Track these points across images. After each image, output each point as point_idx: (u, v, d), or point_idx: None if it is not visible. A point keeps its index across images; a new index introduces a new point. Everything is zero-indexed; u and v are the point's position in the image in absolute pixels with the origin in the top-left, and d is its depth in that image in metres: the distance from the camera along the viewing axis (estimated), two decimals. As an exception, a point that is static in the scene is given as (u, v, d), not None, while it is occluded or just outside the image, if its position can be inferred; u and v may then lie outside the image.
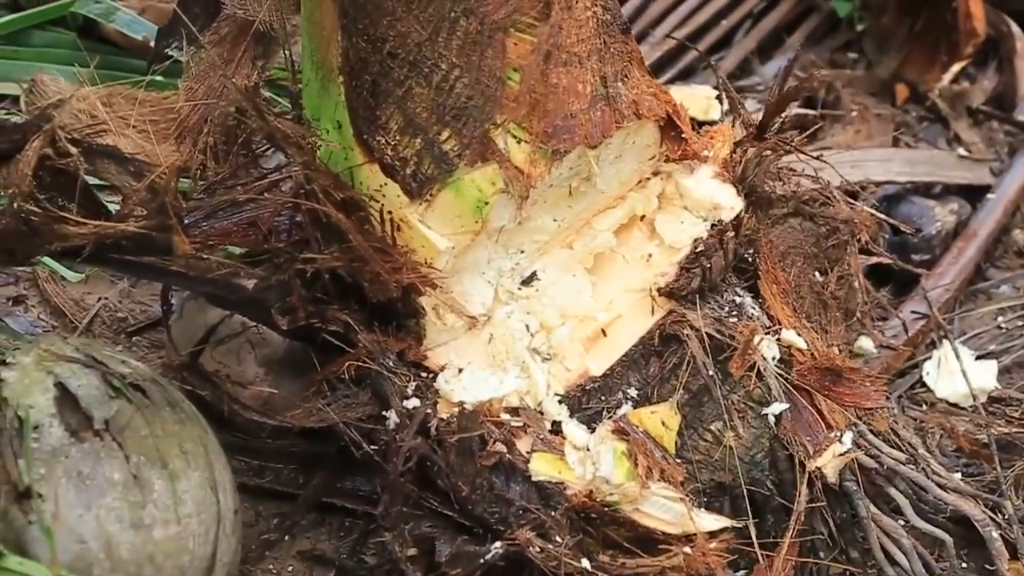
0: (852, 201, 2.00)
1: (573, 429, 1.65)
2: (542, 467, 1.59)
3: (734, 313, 1.73)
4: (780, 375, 1.70)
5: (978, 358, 2.16)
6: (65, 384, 1.49)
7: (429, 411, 1.62)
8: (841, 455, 1.70)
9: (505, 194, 1.59)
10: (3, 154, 1.55)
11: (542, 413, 1.67)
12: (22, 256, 1.60)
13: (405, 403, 1.63)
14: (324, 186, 1.58)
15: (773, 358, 1.71)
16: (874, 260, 2.15)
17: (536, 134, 1.58)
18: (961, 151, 2.71)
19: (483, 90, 1.55)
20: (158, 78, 2.11)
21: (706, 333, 1.68)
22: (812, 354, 1.74)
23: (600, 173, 1.67)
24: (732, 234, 1.75)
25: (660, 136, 1.73)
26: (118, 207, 1.59)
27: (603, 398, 1.69)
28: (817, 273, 1.96)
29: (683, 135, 1.73)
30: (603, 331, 1.73)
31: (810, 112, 2.75)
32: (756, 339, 1.68)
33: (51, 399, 1.47)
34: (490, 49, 1.54)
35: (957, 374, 2.10)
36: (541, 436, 1.63)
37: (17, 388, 1.48)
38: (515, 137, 1.58)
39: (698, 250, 1.74)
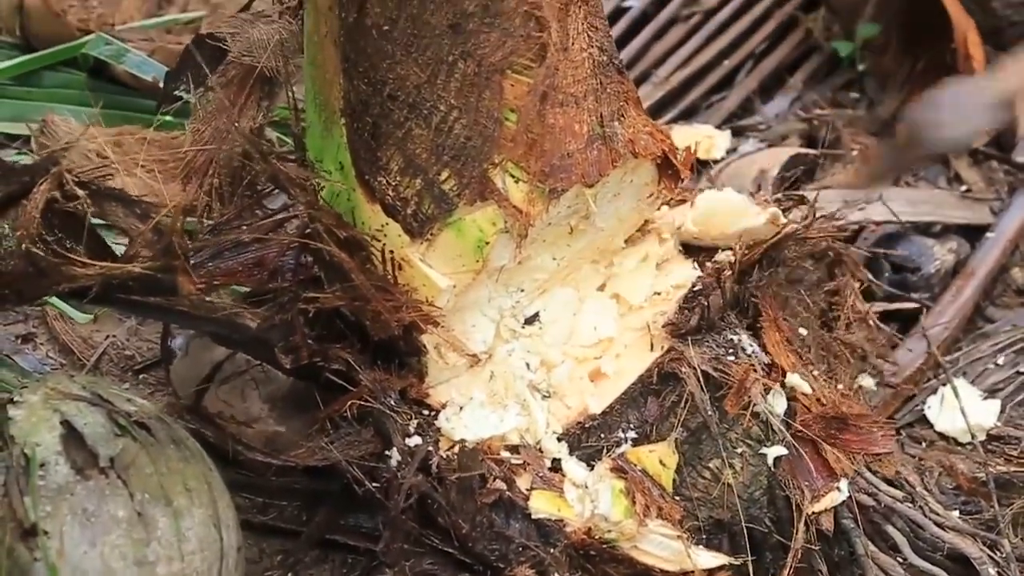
0: (843, 246, 2.00)
1: (572, 467, 1.66)
2: (541, 505, 1.60)
3: (732, 352, 1.73)
4: (782, 420, 1.71)
5: (985, 398, 2.16)
6: (71, 422, 1.50)
7: (430, 449, 1.62)
8: (837, 505, 1.71)
9: (506, 234, 1.60)
10: (12, 196, 1.57)
11: (542, 451, 1.67)
12: (30, 296, 1.62)
13: (407, 441, 1.63)
14: (327, 226, 1.59)
15: (782, 411, 1.72)
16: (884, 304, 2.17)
17: (534, 173, 1.59)
18: (961, 190, 2.72)
19: (481, 131, 1.56)
20: (167, 118, 2.13)
21: (704, 371, 1.68)
22: (818, 399, 1.75)
23: (598, 211, 1.68)
24: (729, 273, 1.75)
25: (658, 174, 1.74)
26: (124, 248, 1.61)
27: (602, 436, 1.69)
28: (820, 316, 1.96)
29: (680, 174, 1.73)
30: (602, 369, 1.74)
31: (811, 152, 2.76)
32: (751, 378, 1.68)
33: (57, 437, 1.48)
34: (487, 90, 1.55)
35: (958, 411, 2.09)
36: (541, 474, 1.63)
37: (24, 426, 1.49)
38: (513, 176, 1.59)
39: (696, 289, 1.76)
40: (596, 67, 1.63)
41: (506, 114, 1.57)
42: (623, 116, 1.67)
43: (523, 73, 1.57)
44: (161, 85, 1.94)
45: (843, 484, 1.71)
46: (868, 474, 1.77)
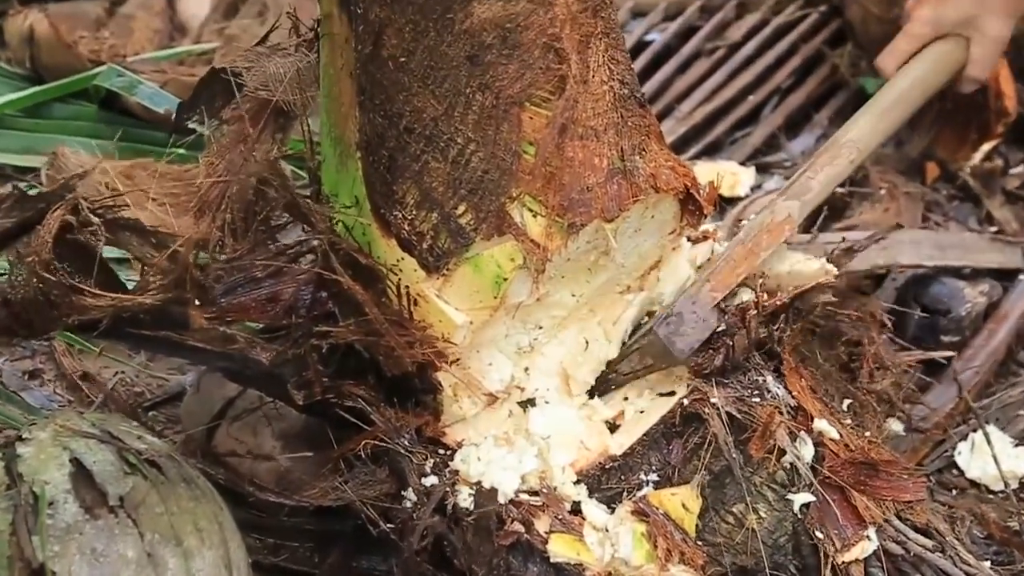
0: (859, 295, 2.02)
1: (592, 509, 1.67)
2: (560, 548, 1.60)
3: (757, 393, 1.73)
4: (811, 466, 1.71)
5: (1016, 444, 2.16)
6: (81, 460, 1.50)
7: (447, 489, 1.63)
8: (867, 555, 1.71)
9: (524, 270, 1.61)
10: (24, 224, 1.59)
11: (560, 493, 1.68)
12: (39, 329, 1.62)
13: (423, 481, 1.64)
14: (344, 256, 1.61)
15: (810, 456, 1.72)
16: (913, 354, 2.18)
17: (552, 207, 1.60)
18: (992, 231, 2.72)
19: (499, 164, 1.58)
20: (180, 151, 2.15)
21: (728, 413, 1.69)
22: (846, 445, 1.75)
23: (618, 247, 1.69)
24: (754, 312, 1.76)
25: (680, 210, 1.74)
26: (135, 283, 1.62)
27: (623, 478, 1.70)
28: (840, 368, 1.98)
29: (703, 209, 1.74)
30: (623, 412, 1.75)
31: (839, 190, 2.76)
32: (776, 420, 1.69)
33: (66, 475, 1.48)
34: (505, 123, 1.57)
35: (989, 457, 2.10)
36: (560, 516, 1.64)
37: (33, 464, 1.49)
38: (531, 211, 1.60)
39: (719, 329, 1.76)
40: (617, 100, 1.64)
41: (524, 147, 1.59)
42: (644, 150, 1.68)
43: (542, 106, 1.58)
44: (173, 117, 1.95)
45: (871, 532, 1.71)
46: (897, 522, 1.76)
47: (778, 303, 1.80)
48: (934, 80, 2.40)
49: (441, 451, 1.70)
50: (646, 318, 1.82)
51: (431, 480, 1.65)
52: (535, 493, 1.66)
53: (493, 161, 1.58)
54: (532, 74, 1.57)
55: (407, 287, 1.63)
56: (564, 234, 1.61)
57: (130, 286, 1.62)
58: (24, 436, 1.55)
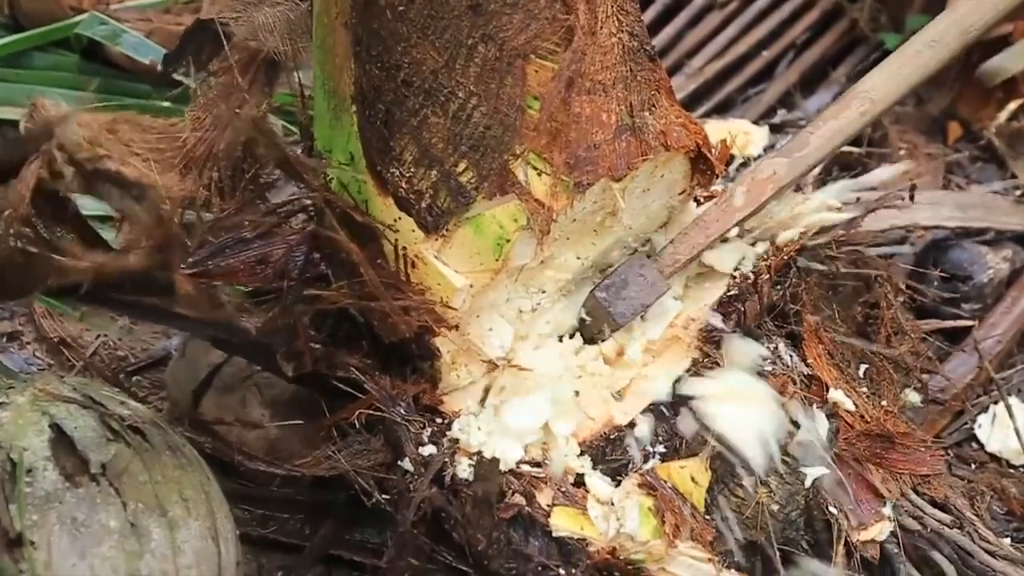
0: (876, 259, 2.01)
1: (597, 482, 1.67)
2: (563, 522, 1.60)
3: (769, 361, 1.74)
4: (824, 438, 1.72)
5: (1036, 414, 2.17)
6: (61, 425, 1.51)
7: (445, 460, 1.63)
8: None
9: (527, 231, 1.61)
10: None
11: (563, 464, 1.68)
12: (16, 291, 1.62)
13: (420, 450, 1.64)
14: (339, 212, 1.61)
15: (824, 428, 1.73)
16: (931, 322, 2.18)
17: (557, 165, 1.60)
18: (1017, 193, 2.72)
19: (502, 119, 1.57)
20: (165, 104, 2.15)
21: None
22: (861, 416, 1.76)
23: (626, 207, 1.69)
24: (767, 277, 1.76)
25: (691, 170, 1.74)
26: (116, 242, 1.62)
27: (628, 449, 1.70)
28: (857, 330, 1.98)
29: (715, 169, 1.74)
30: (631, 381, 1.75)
31: (855, 150, 2.76)
32: (789, 390, 1.69)
33: (46, 441, 1.50)
34: (509, 76, 1.56)
35: (1010, 430, 2.11)
36: (563, 489, 1.64)
37: (10, 429, 1.50)
38: (535, 168, 1.60)
39: (731, 293, 1.77)
40: (626, 53, 1.64)
41: (529, 102, 1.58)
42: (654, 106, 1.67)
43: (547, 58, 1.58)
44: (159, 68, 1.95)
45: (888, 509, 1.72)
46: (914, 496, 1.77)
47: (786, 256, 1.80)
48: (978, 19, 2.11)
49: (439, 420, 1.70)
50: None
51: (429, 450, 1.65)
52: (537, 464, 1.66)
53: (496, 116, 1.57)
54: (538, 24, 1.56)
55: (404, 248, 1.62)
56: (570, 193, 1.62)
57: (113, 246, 1.61)
58: (1, 400, 1.55)
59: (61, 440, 1.50)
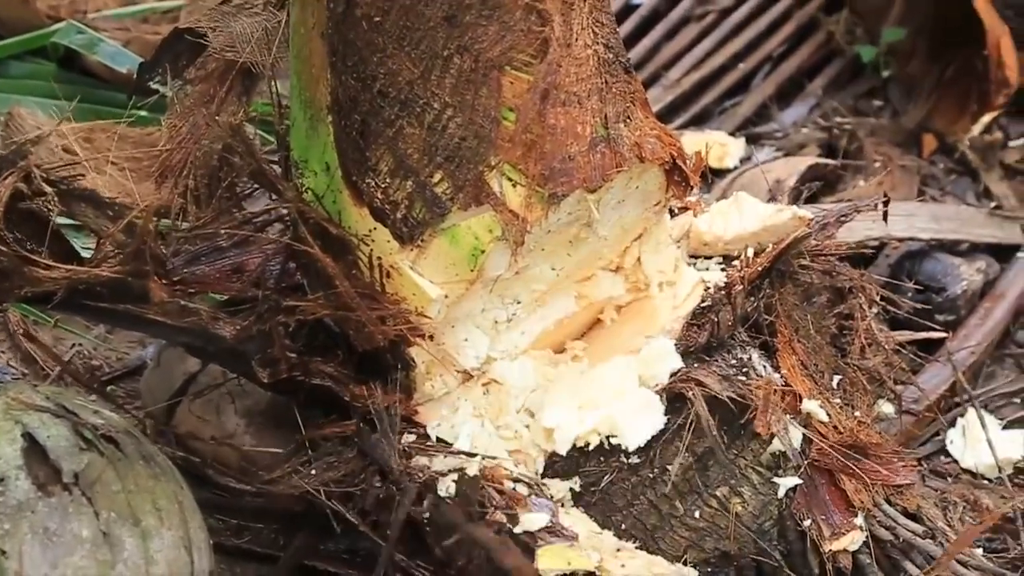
0: (850, 270, 2.01)
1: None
2: (550, 563, 1.59)
3: (743, 372, 1.74)
4: (798, 449, 1.72)
5: (1005, 427, 2.18)
6: (33, 435, 1.51)
7: (426, 474, 1.64)
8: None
9: (502, 242, 1.61)
10: None
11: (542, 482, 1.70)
12: (-12, 299, 1.63)
13: (394, 463, 1.64)
14: (313, 225, 1.61)
15: (797, 438, 1.73)
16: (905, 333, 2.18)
17: (532, 176, 1.59)
18: (991, 206, 2.73)
19: (477, 130, 1.57)
20: (141, 113, 2.14)
21: (713, 393, 1.68)
22: (835, 427, 1.76)
23: (601, 219, 1.69)
24: (740, 288, 1.76)
25: (666, 181, 1.74)
26: (91, 252, 1.62)
27: (602, 460, 1.71)
28: (831, 341, 1.97)
29: (690, 180, 1.74)
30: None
31: (830, 162, 2.78)
32: (774, 399, 1.70)
33: (18, 450, 1.49)
34: (484, 87, 1.56)
35: (982, 443, 2.11)
36: (550, 527, 1.63)
37: None
38: (510, 180, 1.59)
39: (704, 304, 1.77)
40: (601, 65, 1.64)
41: (504, 113, 1.58)
42: (629, 118, 1.67)
43: (523, 70, 1.58)
44: (135, 77, 1.95)
45: (860, 520, 1.73)
46: (886, 506, 1.78)
47: (759, 268, 1.80)
48: None
49: (414, 431, 1.70)
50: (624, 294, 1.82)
51: (406, 462, 1.65)
52: (517, 480, 1.67)
53: (471, 127, 1.57)
54: (513, 36, 1.56)
55: (379, 259, 1.62)
56: (544, 204, 1.61)
57: (86, 255, 1.62)
58: None
59: (34, 449, 1.50)
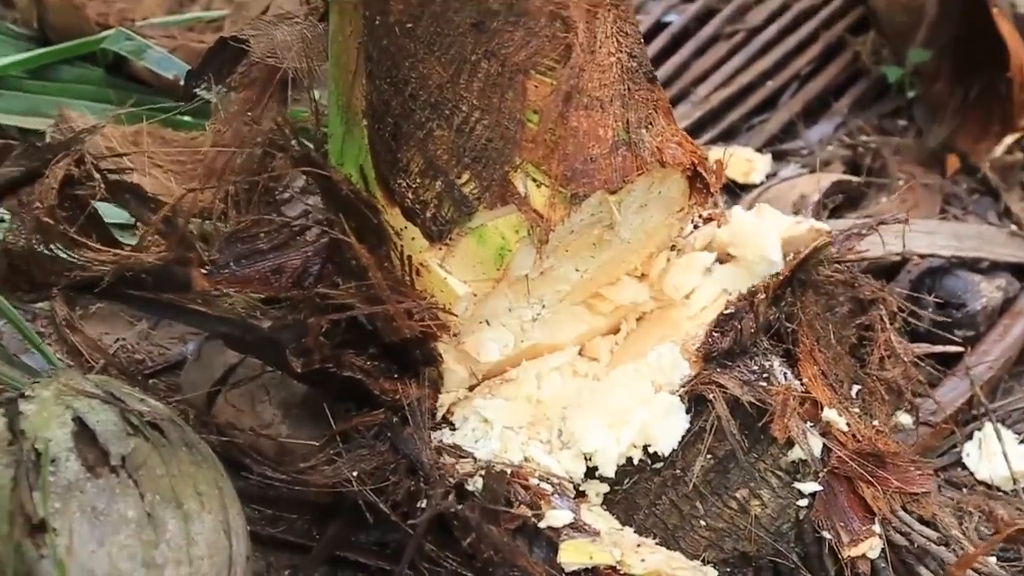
0: (872, 282, 2.03)
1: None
2: (572, 557, 1.62)
3: (764, 378, 1.75)
4: (818, 458, 1.74)
5: (1021, 441, 2.19)
6: (83, 419, 1.54)
7: (453, 467, 1.67)
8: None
9: (528, 242, 1.64)
10: (32, 172, 1.63)
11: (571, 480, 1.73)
12: (40, 282, 1.67)
13: (424, 457, 1.67)
14: (354, 211, 1.65)
15: (817, 446, 1.75)
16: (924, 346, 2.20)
17: (555, 177, 1.63)
18: (1012, 227, 2.74)
19: (503, 132, 1.61)
20: (186, 118, 2.19)
21: (734, 397, 1.71)
22: (853, 435, 1.77)
23: (623, 221, 1.72)
24: (763, 296, 1.78)
25: (688, 188, 1.77)
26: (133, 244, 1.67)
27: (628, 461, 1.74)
28: (851, 351, 1.99)
29: (711, 188, 1.76)
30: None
31: (855, 179, 2.79)
32: (791, 404, 1.72)
33: (69, 433, 1.52)
34: (510, 91, 1.60)
35: (998, 456, 2.13)
36: (574, 523, 1.66)
37: (35, 421, 1.53)
38: (534, 180, 1.63)
39: (728, 312, 1.79)
40: (624, 72, 1.67)
41: (528, 115, 1.62)
42: (651, 124, 1.70)
43: (547, 74, 1.62)
44: (182, 84, 1.99)
45: (878, 526, 1.75)
46: (902, 513, 1.79)
47: (783, 277, 1.81)
48: None
49: (443, 426, 1.74)
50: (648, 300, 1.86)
51: (433, 457, 1.68)
52: (545, 479, 1.70)
53: (497, 129, 1.61)
54: (538, 42, 1.60)
55: (410, 256, 1.66)
56: (567, 205, 1.64)
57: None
58: (27, 394, 1.58)
59: (83, 433, 1.53)
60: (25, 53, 2.78)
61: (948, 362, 2.33)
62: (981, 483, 2.15)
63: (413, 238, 1.66)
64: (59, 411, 1.55)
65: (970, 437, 2.21)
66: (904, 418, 2.11)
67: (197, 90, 1.94)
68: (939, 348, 2.29)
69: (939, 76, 3.04)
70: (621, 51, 1.67)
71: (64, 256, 1.66)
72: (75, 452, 1.51)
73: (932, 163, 2.92)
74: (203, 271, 1.69)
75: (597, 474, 1.74)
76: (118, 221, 1.97)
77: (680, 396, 1.74)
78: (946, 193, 2.84)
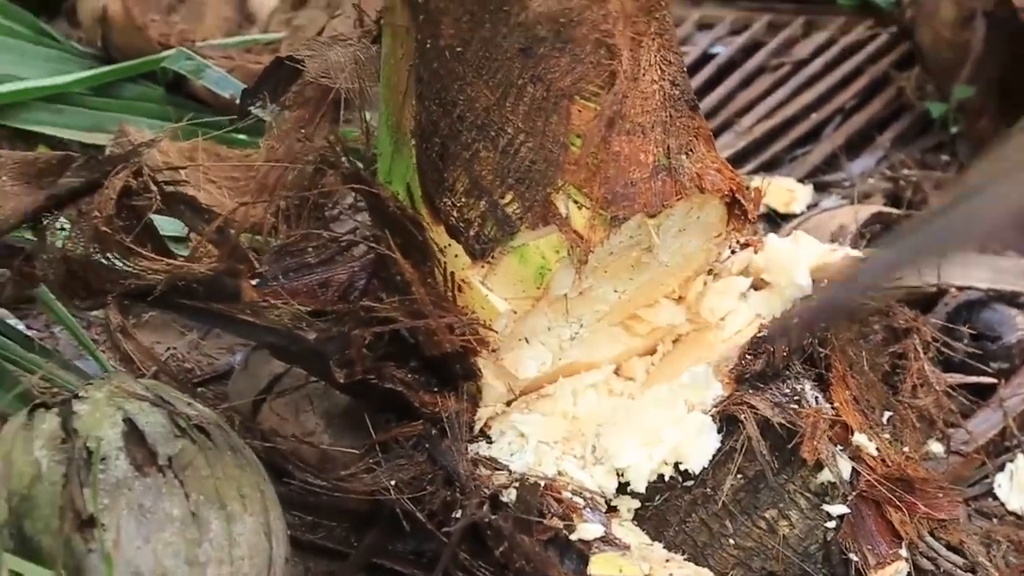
0: (906, 311, 2.04)
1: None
2: (602, 569, 1.63)
3: (796, 401, 1.76)
4: (847, 481, 1.74)
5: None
6: (133, 420, 1.58)
7: (488, 479, 1.69)
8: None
9: (567, 262, 1.66)
10: (91, 183, 1.68)
11: (599, 493, 1.74)
12: (96, 289, 1.72)
13: (461, 468, 1.69)
14: (401, 227, 1.68)
15: (847, 470, 1.75)
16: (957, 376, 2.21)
17: (596, 199, 1.65)
18: (1049, 262, 2.74)
19: (546, 155, 1.64)
20: (241, 136, 2.24)
21: (765, 418, 1.72)
22: (883, 460, 1.78)
23: (661, 245, 1.74)
24: (796, 321, 1.80)
25: (726, 214, 1.79)
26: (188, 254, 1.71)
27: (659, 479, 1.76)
28: (883, 379, 2.00)
29: (749, 214, 1.78)
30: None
31: (895, 211, 2.79)
32: (822, 425, 1.72)
33: (119, 433, 1.56)
34: (555, 115, 1.63)
35: (1028, 487, 2.13)
36: (605, 536, 1.67)
37: (88, 421, 1.57)
38: (576, 202, 1.65)
39: (761, 335, 1.80)
40: (667, 100, 1.70)
41: (572, 139, 1.65)
42: (691, 151, 1.73)
43: (591, 99, 1.65)
44: (238, 103, 2.03)
45: (904, 550, 1.76)
46: (929, 538, 1.81)
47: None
48: None
49: (481, 439, 1.76)
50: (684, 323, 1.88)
51: (470, 468, 1.70)
52: (578, 492, 1.71)
53: (541, 152, 1.64)
54: (583, 68, 1.63)
55: (452, 273, 1.69)
56: (607, 226, 1.67)
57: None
58: (80, 395, 1.63)
59: (133, 433, 1.57)
60: (89, 71, 2.86)
61: (982, 394, 2.33)
62: (1012, 514, 2.14)
63: (456, 255, 1.69)
64: (110, 412, 1.59)
65: (1002, 468, 2.21)
66: (935, 447, 2.11)
67: (252, 108, 1.98)
68: (973, 379, 2.29)
69: (983, 112, 3.06)
70: (664, 79, 1.70)
71: (120, 265, 1.71)
72: (124, 451, 1.55)
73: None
74: (252, 283, 1.73)
75: (629, 490, 1.76)
76: (172, 234, 2.02)
77: (712, 416, 1.76)
78: (986, 227, 2.83)
